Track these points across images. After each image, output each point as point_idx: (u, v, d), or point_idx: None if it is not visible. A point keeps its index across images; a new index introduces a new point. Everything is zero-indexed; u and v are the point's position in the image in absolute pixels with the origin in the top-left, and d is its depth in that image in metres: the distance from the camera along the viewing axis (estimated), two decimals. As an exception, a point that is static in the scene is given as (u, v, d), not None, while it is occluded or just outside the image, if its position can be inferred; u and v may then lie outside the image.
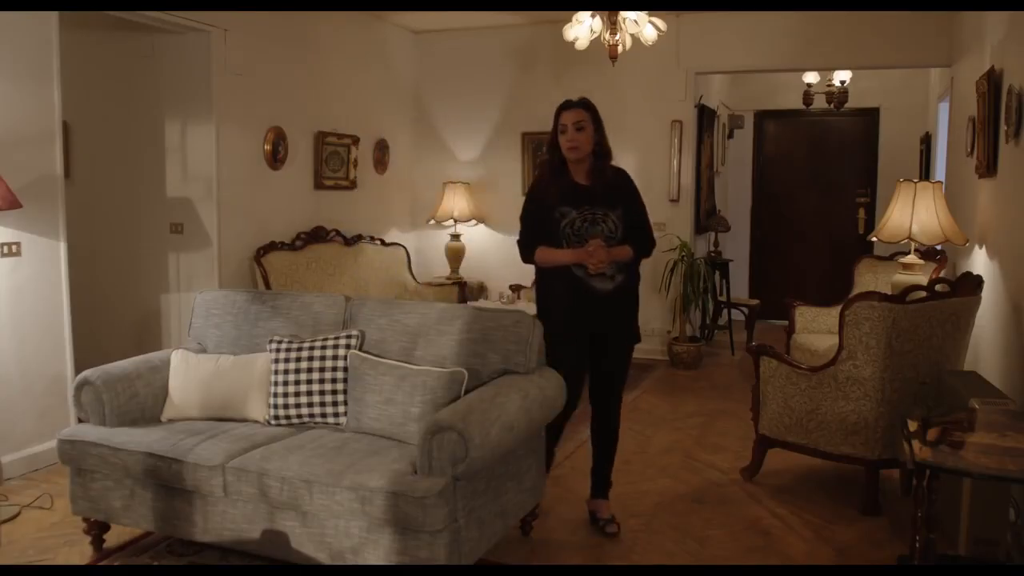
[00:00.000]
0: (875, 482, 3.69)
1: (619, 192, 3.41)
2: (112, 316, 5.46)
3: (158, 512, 3.07)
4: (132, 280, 5.45)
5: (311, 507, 2.77)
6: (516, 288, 6.69)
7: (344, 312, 3.48)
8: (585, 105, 3.37)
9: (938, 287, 3.67)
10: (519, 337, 3.15)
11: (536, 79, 7.18)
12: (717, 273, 7.50)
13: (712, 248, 7.85)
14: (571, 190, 3.37)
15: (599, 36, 4.94)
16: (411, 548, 2.66)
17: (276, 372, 3.30)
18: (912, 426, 2.68)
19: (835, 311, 4.56)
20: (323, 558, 2.81)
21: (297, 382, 3.26)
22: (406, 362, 3.22)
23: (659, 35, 5.01)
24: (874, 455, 3.67)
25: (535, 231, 3.40)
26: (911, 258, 4.58)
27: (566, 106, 3.37)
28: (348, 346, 3.29)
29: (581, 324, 3.39)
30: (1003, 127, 3.96)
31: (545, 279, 3.46)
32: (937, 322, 3.58)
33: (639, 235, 3.44)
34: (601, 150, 3.37)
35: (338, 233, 6.27)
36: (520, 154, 7.29)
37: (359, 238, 6.48)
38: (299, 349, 3.31)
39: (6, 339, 4.01)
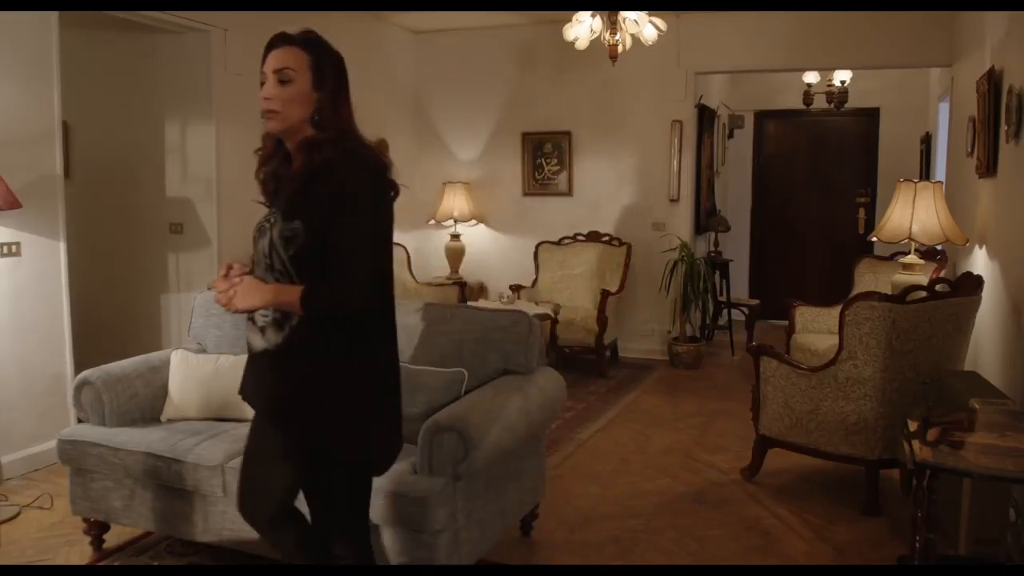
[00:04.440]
0: (875, 482, 3.69)
1: (317, 190, 1.93)
2: (112, 316, 5.46)
3: (158, 512, 3.07)
4: (132, 280, 5.45)
5: (311, 507, 2.77)
6: (516, 288, 6.68)
7: (344, 312, 3.46)
8: (304, 42, 2.02)
9: (938, 287, 3.67)
10: (519, 337, 3.15)
11: (536, 79, 7.19)
12: (717, 273, 7.51)
13: (712, 248, 7.85)
14: (275, 178, 2.08)
15: (599, 36, 4.94)
16: (411, 548, 2.66)
17: (276, 372, 3.29)
18: (912, 426, 2.68)
19: (835, 311, 4.56)
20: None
21: (297, 382, 3.25)
22: (406, 362, 3.21)
23: (659, 35, 5.01)
24: (874, 455, 3.66)
25: None
26: (911, 258, 4.57)
27: (273, 43, 2.05)
28: (348, 346, 3.28)
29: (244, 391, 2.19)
30: (1003, 127, 3.96)
31: None
32: (937, 322, 3.58)
33: (329, 269, 1.90)
34: (323, 119, 1.98)
35: (338, 233, 6.26)
36: (520, 154, 7.29)
37: (359, 238, 6.46)
38: (299, 349, 3.29)
39: (6, 339, 4.01)
